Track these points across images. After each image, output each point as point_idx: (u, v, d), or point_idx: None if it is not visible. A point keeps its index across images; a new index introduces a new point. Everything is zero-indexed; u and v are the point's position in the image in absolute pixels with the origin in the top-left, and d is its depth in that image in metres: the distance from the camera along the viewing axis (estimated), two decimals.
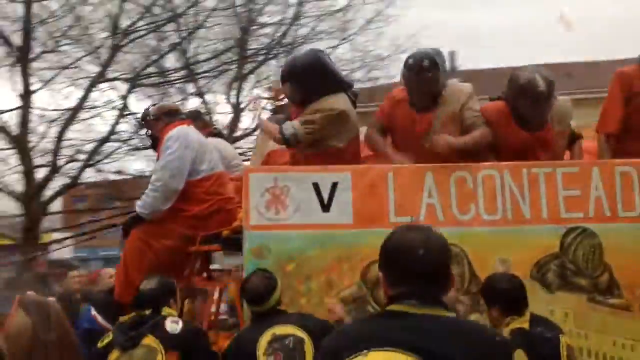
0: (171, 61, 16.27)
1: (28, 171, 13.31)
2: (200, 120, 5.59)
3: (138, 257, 4.36)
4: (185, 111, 5.41)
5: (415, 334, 1.79)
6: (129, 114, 14.96)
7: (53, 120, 14.26)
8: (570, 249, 3.93)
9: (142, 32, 14.80)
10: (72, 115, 14.38)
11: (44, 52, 13.97)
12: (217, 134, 5.77)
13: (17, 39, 13.35)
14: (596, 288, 3.91)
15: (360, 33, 16.69)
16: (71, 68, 14.43)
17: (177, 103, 9.80)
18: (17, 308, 4.45)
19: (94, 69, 14.63)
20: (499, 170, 4.03)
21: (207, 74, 15.56)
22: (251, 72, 16.62)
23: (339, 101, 4.29)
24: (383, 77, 16.30)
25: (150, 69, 15.52)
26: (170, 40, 15.46)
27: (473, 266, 3.91)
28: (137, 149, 14.72)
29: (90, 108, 14.66)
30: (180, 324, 3.37)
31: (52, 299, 4.19)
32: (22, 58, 13.39)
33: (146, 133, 4.87)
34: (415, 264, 1.86)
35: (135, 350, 3.33)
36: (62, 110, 14.42)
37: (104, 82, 14.72)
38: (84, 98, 14.22)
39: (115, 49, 14.44)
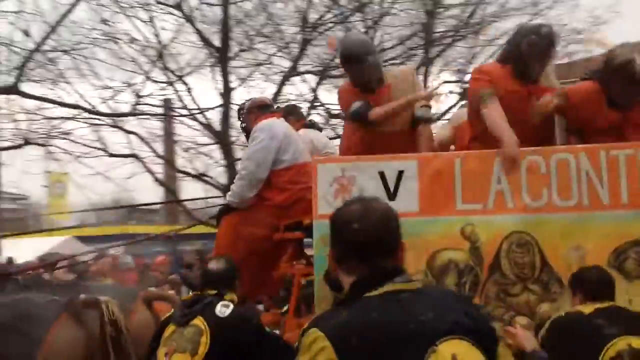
0: None
1: (230, 164, 14.05)
2: (295, 113, 5.78)
3: (229, 244, 4.60)
4: (282, 105, 5.62)
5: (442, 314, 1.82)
6: (319, 106, 15.36)
7: None
8: None
9: (329, 25, 14.96)
10: None
11: (241, 50, 14.50)
12: (311, 125, 5.92)
13: (216, 41, 14.04)
14: None
15: (553, 6, 15.47)
16: (265, 64, 14.91)
17: None
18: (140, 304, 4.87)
19: (285, 64, 15.04)
20: (574, 154, 3.84)
21: (393, 61, 15.58)
22: (438, 55, 16.37)
23: None
24: (581, 51, 15.27)
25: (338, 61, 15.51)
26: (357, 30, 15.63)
27: (544, 254, 3.77)
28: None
29: (284, 102, 15.15)
30: (231, 308, 3.54)
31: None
32: (222, 58, 14.05)
33: (240, 125, 5.10)
34: (354, 237, 1.89)
35: (186, 328, 3.56)
36: None
37: (295, 75, 15.06)
38: (278, 92, 14.63)
39: (305, 43, 14.73)
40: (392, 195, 3.96)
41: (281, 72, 15.01)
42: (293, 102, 11.19)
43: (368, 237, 1.88)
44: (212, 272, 3.75)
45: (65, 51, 13.15)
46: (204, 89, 15.06)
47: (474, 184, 3.90)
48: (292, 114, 5.49)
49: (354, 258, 1.91)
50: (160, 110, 14.90)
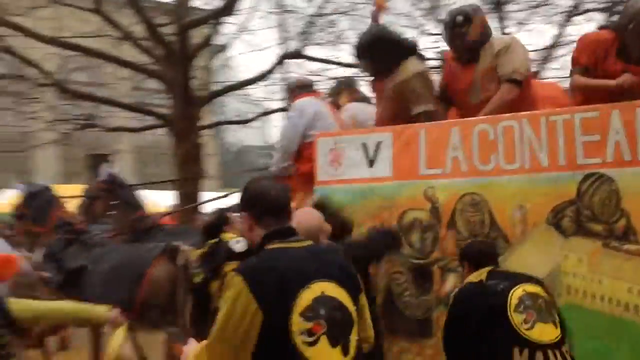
0: None
1: None
2: (350, 87, 6.35)
3: None
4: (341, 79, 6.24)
5: (321, 263, 2.59)
6: None
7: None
8: (587, 195, 3.93)
9: None
10: (548, 53, 14.30)
11: None
12: (362, 98, 6.39)
13: None
14: (612, 234, 3.85)
15: None
16: (544, 5, 14.34)
17: None
18: None
19: (567, 3, 14.27)
20: (518, 121, 4.15)
21: None
22: None
23: None
24: None
25: None
26: None
27: (493, 213, 4.21)
28: None
29: (565, 44, 14.09)
30: (242, 240, 4.26)
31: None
32: (497, 2, 13.90)
33: (287, 102, 5.92)
34: (273, 203, 2.66)
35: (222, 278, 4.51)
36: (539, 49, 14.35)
37: (579, 14, 14.29)
38: (559, 35, 14.14)
39: None
40: (371, 163, 4.64)
41: (563, 12, 14.25)
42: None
43: (279, 202, 2.68)
44: (206, 224, 4.69)
45: (344, 12, 13.70)
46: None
47: (435, 151, 4.41)
48: (347, 87, 6.10)
49: (270, 217, 2.66)
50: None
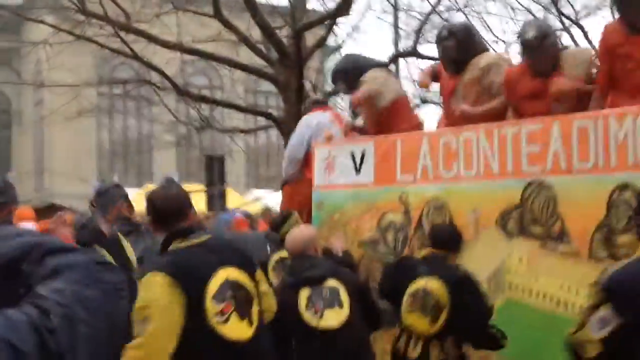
0: None
1: None
2: None
3: (288, 207, 6.20)
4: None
5: (223, 254, 3.24)
6: None
7: None
8: (529, 200, 4.31)
9: None
10: None
11: None
12: None
13: None
14: (549, 235, 4.21)
15: None
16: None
17: None
18: None
19: None
20: (476, 132, 4.60)
21: None
22: None
23: None
24: None
25: None
26: None
27: (452, 216, 4.66)
28: None
29: None
30: None
31: None
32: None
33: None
34: (160, 212, 3.25)
35: None
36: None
37: None
38: None
39: None
40: (357, 171, 5.20)
41: None
42: None
43: (165, 211, 3.22)
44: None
45: (458, 9, 13.79)
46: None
47: (408, 160, 4.92)
48: None
49: (162, 223, 3.25)
50: None
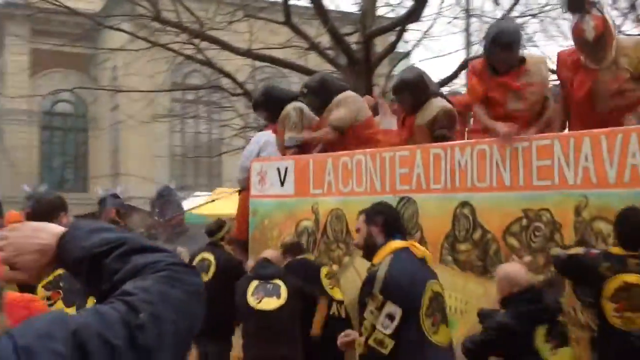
0: None
1: None
2: None
3: (242, 211, 7.22)
4: None
5: None
6: None
7: None
8: (401, 213, 5.23)
9: None
10: None
11: None
12: None
13: None
14: None
15: None
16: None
17: None
18: None
19: None
20: (365, 155, 5.53)
21: None
22: None
23: None
24: None
25: None
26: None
27: (348, 224, 5.61)
28: None
29: None
30: None
31: None
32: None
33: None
34: None
35: None
36: None
37: None
38: None
39: None
40: (282, 184, 6.19)
41: None
42: None
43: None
44: None
45: (533, 15, 13.43)
46: None
47: (318, 176, 5.88)
48: None
49: None
50: None
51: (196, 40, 12.84)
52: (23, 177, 28.80)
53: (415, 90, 5.44)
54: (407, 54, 15.24)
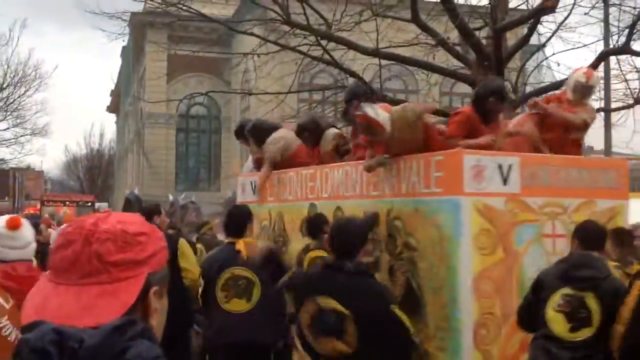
0: None
1: None
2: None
3: None
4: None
5: None
6: None
7: None
8: (309, 215, 7.26)
9: None
10: None
11: None
12: None
13: None
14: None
15: None
16: None
17: None
18: None
19: None
20: (295, 172, 7.59)
21: None
22: None
23: None
24: None
25: None
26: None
27: (285, 223, 7.72)
28: None
29: None
30: None
31: None
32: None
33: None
34: None
35: None
36: None
37: None
38: None
39: None
40: (254, 193, 8.39)
41: None
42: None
43: None
44: None
45: None
46: None
47: (270, 188, 8.03)
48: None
49: None
50: None
51: (324, 42, 13.10)
52: (161, 178, 31.22)
53: (312, 130, 7.51)
54: (540, 47, 14.82)
